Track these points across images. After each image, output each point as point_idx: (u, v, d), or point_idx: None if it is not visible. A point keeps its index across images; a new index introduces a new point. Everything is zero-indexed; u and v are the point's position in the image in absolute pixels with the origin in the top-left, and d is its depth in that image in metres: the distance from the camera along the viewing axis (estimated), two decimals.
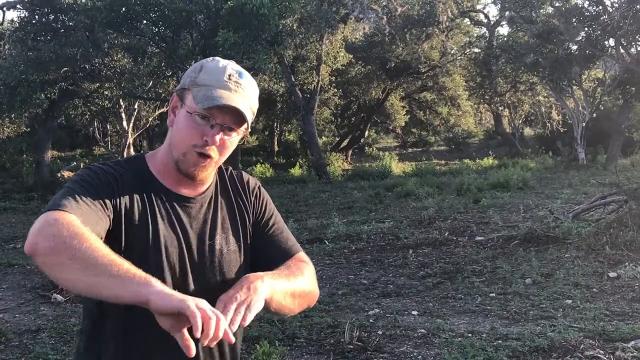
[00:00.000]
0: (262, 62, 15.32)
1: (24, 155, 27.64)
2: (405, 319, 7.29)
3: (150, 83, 21.09)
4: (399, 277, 9.18)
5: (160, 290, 1.68)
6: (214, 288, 1.96)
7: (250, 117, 1.99)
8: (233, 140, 1.99)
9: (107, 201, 1.91)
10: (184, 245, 2.00)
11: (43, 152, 23.71)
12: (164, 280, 1.87)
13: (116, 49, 19.71)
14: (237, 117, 1.95)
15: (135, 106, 22.44)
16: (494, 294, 8.10)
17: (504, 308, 7.54)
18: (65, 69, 19.87)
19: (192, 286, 1.99)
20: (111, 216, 1.91)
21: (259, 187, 2.22)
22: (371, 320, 7.24)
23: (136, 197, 1.97)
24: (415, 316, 7.43)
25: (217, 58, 2.04)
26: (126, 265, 1.72)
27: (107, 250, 1.74)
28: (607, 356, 5.69)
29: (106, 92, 21.89)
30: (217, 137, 1.93)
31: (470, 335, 6.60)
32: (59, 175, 23.65)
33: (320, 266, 9.98)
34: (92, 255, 1.71)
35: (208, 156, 1.96)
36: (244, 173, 2.23)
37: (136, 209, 1.96)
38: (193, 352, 1.67)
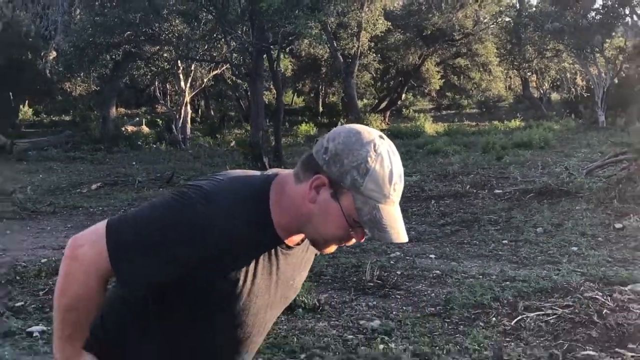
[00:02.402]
0: (302, 27, 15.23)
1: (93, 112, 28.03)
2: (423, 261, 7.32)
3: (205, 46, 21.07)
4: (420, 224, 9.18)
5: None
6: (274, 315, 1.92)
7: None
8: None
9: (182, 268, 1.68)
10: (273, 296, 1.83)
11: (109, 109, 24.03)
12: (241, 323, 1.80)
13: (174, 15, 19.73)
14: None
15: (192, 68, 22.48)
16: (506, 241, 8.07)
17: (514, 254, 7.52)
18: (128, 32, 19.96)
19: (260, 315, 1.85)
20: (175, 274, 1.70)
21: None
22: (392, 262, 7.28)
23: (246, 258, 1.72)
24: (432, 259, 7.46)
25: (383, 148, 1.67)
26: (67, 332, 1.74)
27: (70, 313, 1.72)
28: (605, 297, 5.64)
29: (165, 55, 21.94)
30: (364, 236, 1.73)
31: (480, 276, 6.61)
32: (122, 129, 23.97)
33: None
34: (64, 322, 1.73)
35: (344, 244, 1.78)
36: None
37: (238, 270, 1.71)
38: None
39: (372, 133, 1.68)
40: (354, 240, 1.74)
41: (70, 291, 1.69)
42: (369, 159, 1.63)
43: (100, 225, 1.69)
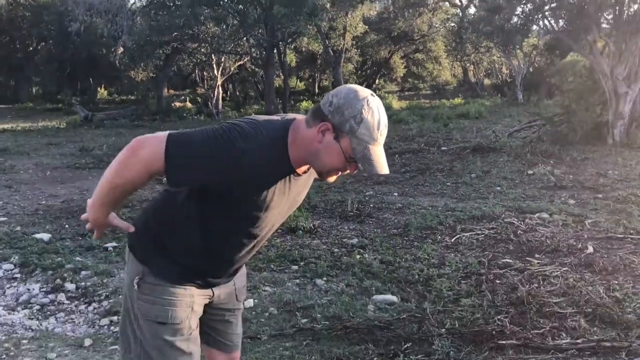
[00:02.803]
0: (303, 28, 15.05)
1: (151, 92, 27.71)
2: (389, 198, 7.31)
3: (232, 44, 20.72)
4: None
5: (87, 217, 1.83)
6: (281, 220, 1.87)
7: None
8: None
9: (218, 182, 1.65)
10: (283, 208, 1.80)
11: (161, 90, 23.74)
12: (259, 226, 1.77)
13: (208, 20, 19.35)
14: None
15: (222, 59, 22.12)
16: (449, 183, 8.06)
17: (455, 192, 7.51)
18: (175, 33, 19.59)
19: (272, 220, 1.81)
20: (209, 187, 1.67)
21: None
22: (366, 198, 7.26)
23: (270, 182, 1.69)
24: (396, 196, 7.44)
25: (374, 103, 1.62)
26: (104, 201, 1.74)
27: (115, 193, 1.70)
28: (519, 222, 5.66)
29: (203, 50, 21.55)
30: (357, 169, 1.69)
31: (430, 208, 6.60)
32: (172, 105, 23.75)
33: None
34: (104, 187, 1.71)
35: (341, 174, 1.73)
36: None
37: (264, 190, 1.69)
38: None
39: (365, 92, 1.64)
40: (349, 171, 1.70)
41: (125, 176, 1.65)
42: (363, 111, 1.60)
43: (162, 135, 1.63)
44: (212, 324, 1.99)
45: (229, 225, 1.77)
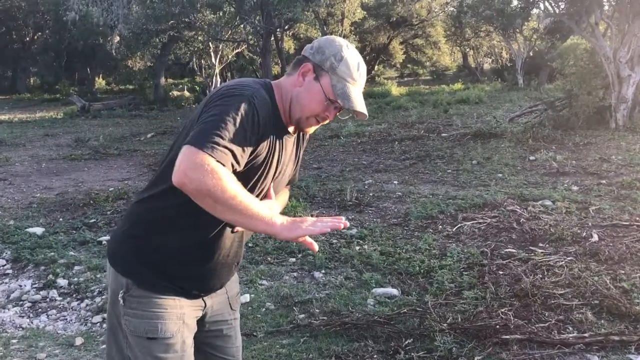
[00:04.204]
0: (300, 15, 14.79)
1: (149, 81, 27.48)
2: (389, 186, 7.17)
3: (229, 32, 20.43)
4: (387, 159, 9.01)
5: (283, 228, 1.51)
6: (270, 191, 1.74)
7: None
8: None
9: (251, 147, 1.55)
10: (275, 170, 1.71)
11: (159, 79, 23.49)
12: (259, 187, 1.67)
13: (205, 7, 19.04)
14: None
15: (219, 47, 21.85)
16: (450, 170, 7.91)
17: (455, 179, 7.37)
18: (171, 21, 19.31)
19: (264, 189, 1.71)
20: (247, 156, 1.56)
21: (308, 139, 1.91)
22: (365, 187, 7.14)
23: (270, 136, 1.63)
24: (396, 184, 7.31)
25: (352, 48, 1.68)
26: (257, 208, 1.49)
27: (243, 196, 1.47)
28: (522, 210, 5.54)
29: (200, 38, 21.29)
30: (335, 115, 1.69)
31: (431, 196, 6.47)
32: (170, 94, 23.54)
33: (335, 153, 9.83)
34: (231, 202, 1.45)
35: (320, 123, 1.70)
36: None
37: (267, 145, 1.62)
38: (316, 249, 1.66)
39: (343, 40, 1.71)
40: (328, 119, 1.69)
41: (218, 187, 1.43)
42: (343, 50, 1.65)
43: (189, 152, 1.44)
44: (210, 341, 1.86)
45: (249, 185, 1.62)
